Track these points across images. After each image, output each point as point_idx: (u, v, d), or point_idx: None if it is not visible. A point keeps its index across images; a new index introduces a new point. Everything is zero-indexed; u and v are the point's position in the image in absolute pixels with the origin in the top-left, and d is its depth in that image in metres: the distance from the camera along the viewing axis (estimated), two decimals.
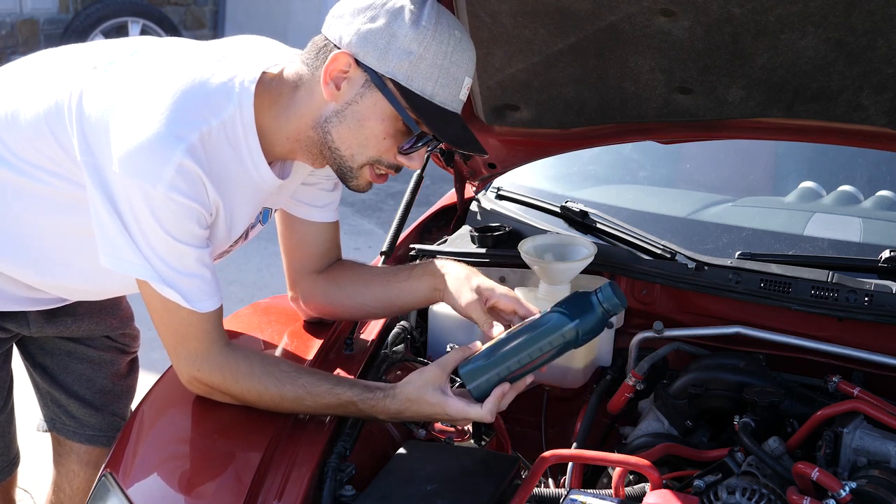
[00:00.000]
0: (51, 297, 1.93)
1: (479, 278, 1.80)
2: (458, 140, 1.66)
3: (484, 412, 1.64)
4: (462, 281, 1.80)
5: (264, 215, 1.87)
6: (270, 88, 1.67)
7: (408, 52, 1.57)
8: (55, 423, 2.16)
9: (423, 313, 2.16)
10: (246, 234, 1.83)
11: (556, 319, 1.64)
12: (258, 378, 1.69)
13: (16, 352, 2.07)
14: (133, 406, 2.21)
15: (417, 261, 2.21)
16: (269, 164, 1.71)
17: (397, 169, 1.71)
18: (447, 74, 1.60)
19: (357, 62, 1.60)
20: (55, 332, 2.04)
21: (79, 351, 2.11)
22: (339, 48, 1.61)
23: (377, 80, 1.59)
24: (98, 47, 1.77)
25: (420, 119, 1.61)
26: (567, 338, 1.63)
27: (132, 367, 2.22)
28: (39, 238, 1.78)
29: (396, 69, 1.58)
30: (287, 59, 1.72)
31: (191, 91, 1.61)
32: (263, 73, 1.67)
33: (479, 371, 1.65)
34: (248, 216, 1.78)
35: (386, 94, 1.60)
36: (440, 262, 1.86)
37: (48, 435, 2.21)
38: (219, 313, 1.70)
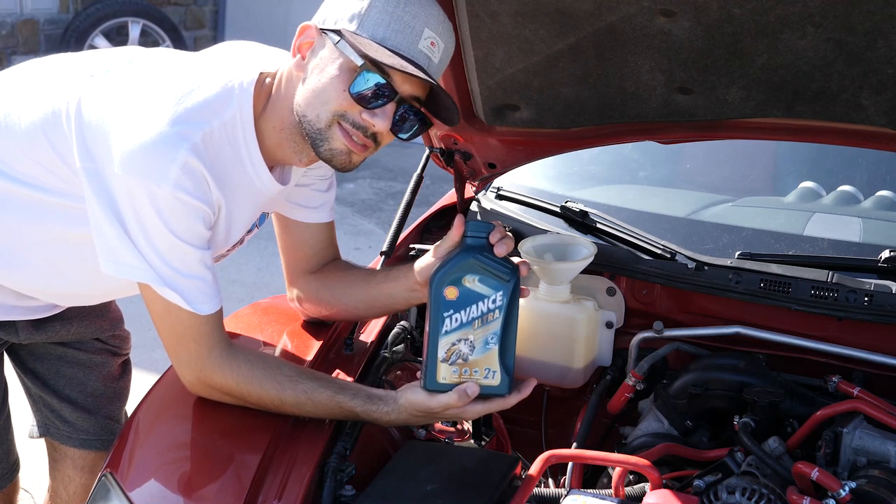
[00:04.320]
0: (42, 304, 1.93)
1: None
2: (405, 68, 1.59)
3: (508, 400, 1.66)
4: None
5: (261, 219, 1.87)
6: (265, 88, 1.70)
7: (357, 2, 1.61)
8: (48, 428, 2.16)
9: (423, 313, 2.16)
10: (242, 239, 1.84)
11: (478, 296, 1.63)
12: (259, 382, 1.69)
13: (7, 358, 2.06)
14: (127, 408, 2.21)
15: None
16: (270, 169, 1.73)
17: (373, 138, 1.67)
18: (400, 21, 1.60)
19: (319, 29, 1.65)
20: (44, 338, 2.03)
21: (69, 355, 2.10)
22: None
23: (332, 34, 1.63)
24: (92, 56, 1.78)
25: (366, 55, 1.59)
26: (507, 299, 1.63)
27: (124, 370, 2.22)
28: (34, 245, 1.78)
29: (347, 22, 1.62)
30: (281, 61, 1.74)
31: (192, 93, 1.62)
32: (260, 73, 1.69)
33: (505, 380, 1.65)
34: (247, 220, 1.79)
35: (339, 44, 1.61)
36: (420, 261, 1.83)
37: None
38: (219, 316, 1.70)
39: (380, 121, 1.64)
